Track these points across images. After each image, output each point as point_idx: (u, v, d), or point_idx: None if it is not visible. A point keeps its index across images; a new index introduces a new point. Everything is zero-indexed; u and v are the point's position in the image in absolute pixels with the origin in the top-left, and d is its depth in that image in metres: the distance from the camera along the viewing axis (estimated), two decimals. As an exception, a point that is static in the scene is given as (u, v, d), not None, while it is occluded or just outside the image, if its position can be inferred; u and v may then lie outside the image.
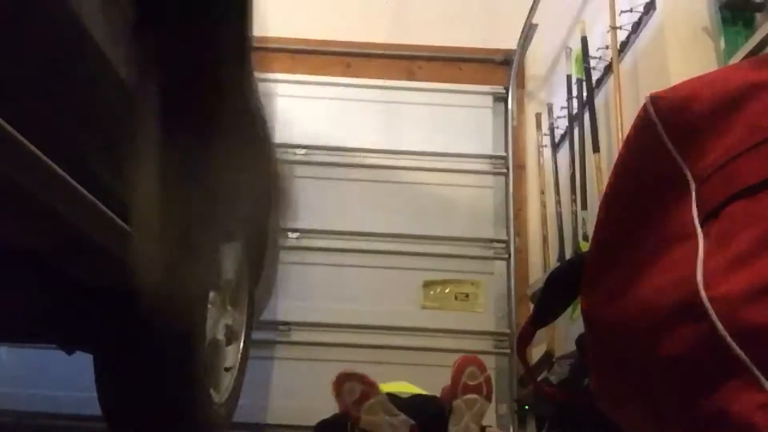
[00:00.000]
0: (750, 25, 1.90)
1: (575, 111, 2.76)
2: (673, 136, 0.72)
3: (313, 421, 2.20)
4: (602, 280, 0.76)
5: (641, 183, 0.75)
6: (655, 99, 0.75)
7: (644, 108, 0.76)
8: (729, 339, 0.57)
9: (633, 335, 0.68)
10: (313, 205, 3.29)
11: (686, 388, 0.62)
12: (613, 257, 0.76)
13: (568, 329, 2.64)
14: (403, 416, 1.60)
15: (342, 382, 1.59)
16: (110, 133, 0.95)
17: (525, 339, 0.92)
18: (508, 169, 3.41)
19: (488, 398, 1.57)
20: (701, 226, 0.65)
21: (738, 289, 0.58)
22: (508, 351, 3.17)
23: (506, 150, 3.46)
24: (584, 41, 2.67)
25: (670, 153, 0.71)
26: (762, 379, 0.55)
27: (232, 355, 1.70)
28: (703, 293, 0.60)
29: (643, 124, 0.75)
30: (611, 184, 0.81)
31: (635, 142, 0.77)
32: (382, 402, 1.58)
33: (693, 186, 0.68)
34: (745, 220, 0.63)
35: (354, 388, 1.57)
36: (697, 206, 0.67)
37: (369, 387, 1.60)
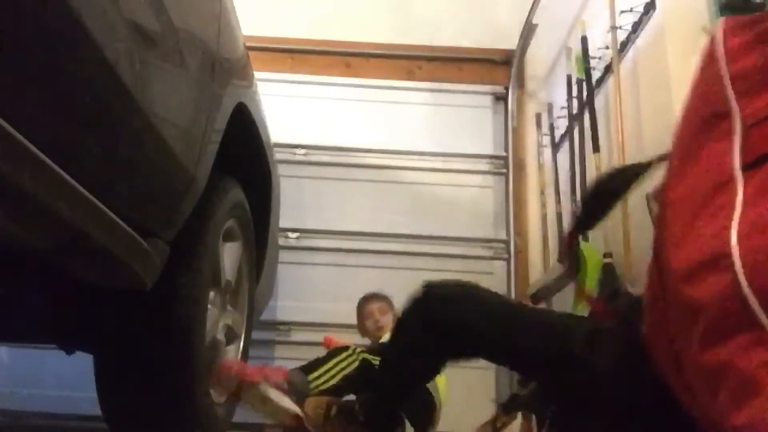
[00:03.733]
0: (750, 25, 1.90)
1: (575, 111, 2.76)
2: (734, 72, 0.68)
3: (313, 421, 2.20)
4: (671, 224, 0.74)
5: (700, 116, 0.72)
6: (729, 31, 0.71)
7: (711, 42, 0.72)
8: (748, 292, 0.57)
9: (671, 279, 0.67)
10: (313, 205, 3.29)
11: (702, 335, 0.62)
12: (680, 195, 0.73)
13: (568, 329, 2.64)
14: None
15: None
16: (110, 133, 0.96)
17: (570, 242, 0.93)
18: (508, 169, 3.41)
19: None
20: (742, 173, 0.64)
21: (766, 244, 0.57)
22: (508, 351, 3.16)
23: (506, 150, 3.45)
24: (584, 41, 2.67)
25: (724, 89, 0.68)
26: None
27: (232, 355, 1.70)
28: (734, 244, 0.59)
29: (709, 56, 0.72)
30: (680, 118, 0.78)
31: (700, 75, 0.74)
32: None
33: (739, 128, 0.66)
34: None
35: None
36: (741, 151, 0.65)
37: None
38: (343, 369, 1.89)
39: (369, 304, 2.50)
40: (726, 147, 0.66)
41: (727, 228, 0.61)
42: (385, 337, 2.36)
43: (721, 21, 0.73)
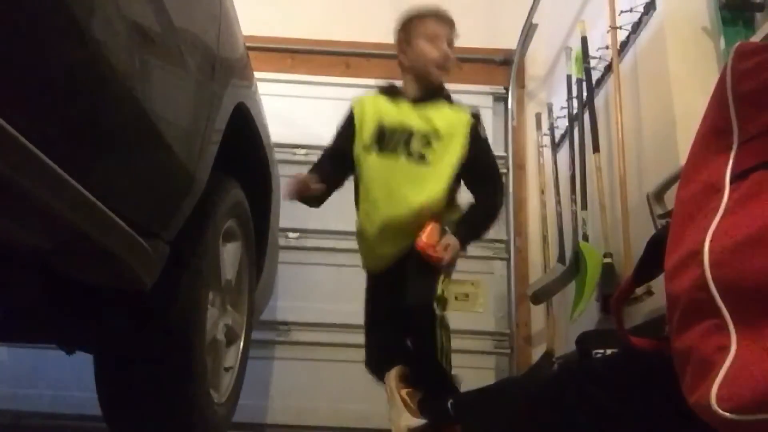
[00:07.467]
0: (750, 25, 1.90)
1: (575, 111, 2.76)
2: (736, 93, 0.75)
3: (313, 422, 2.20)
4: (671, 229, 0.81)
5: (708, 130, 0.80)
6: (738, 55, 0.78)
7: (726, 64, 0.79)
8: (711, 284, 0.65)
9: (665, 280, 0.76)
10: (313, 205, 3.28)
11: (677, 323, 0.70)
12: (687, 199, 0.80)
13: (568, 329, 2.64)
14: None
15: None
16: (110, 132, 0.96)
17: (624, 295, 0.99)
18: (508, 169, 3.41)
19: None
20: (730, 184, 0.71)
21: (730, 243, 0.65)
22: (508, 351, 3.16)
23: (506, 150, 3.45)
24: (584, 41, 2.67)
25: (728, 107, 0.76)
26: (729, 322, 0.63)
27: (232, 355, 1.70)
28: (707, 243, 0.67)
29: (721, 76, 0.79)
30: (696, 131, 0.85)
31: (713, 92, 0.81)
32: None
33: (736, 143, 0.74)
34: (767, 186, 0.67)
35: None
36: (732, 164, 0.73)
37: None
38: None
39: (437, 21, 1.67)
40: (724, 160, 0.74)
41: (706, 230, 0.69)
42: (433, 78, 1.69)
43: (736, 45, 0.80)
